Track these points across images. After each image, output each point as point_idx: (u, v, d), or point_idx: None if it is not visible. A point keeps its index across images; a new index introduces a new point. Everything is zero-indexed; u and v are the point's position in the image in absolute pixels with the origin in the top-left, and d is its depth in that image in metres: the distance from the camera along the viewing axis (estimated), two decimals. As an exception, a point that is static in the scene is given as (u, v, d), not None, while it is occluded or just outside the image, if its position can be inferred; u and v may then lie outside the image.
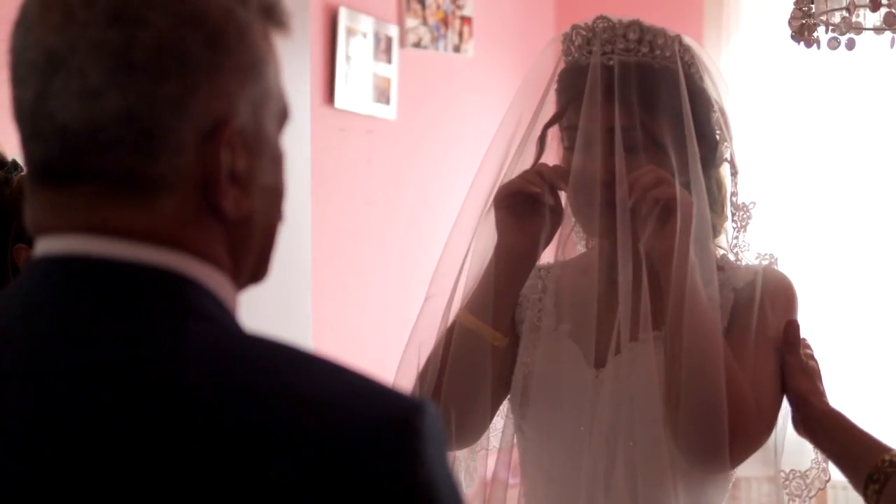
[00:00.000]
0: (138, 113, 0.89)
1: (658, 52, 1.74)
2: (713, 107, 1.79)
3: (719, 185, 1.80)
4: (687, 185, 1.73)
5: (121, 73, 0.89)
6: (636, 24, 1.74)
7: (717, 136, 1.79)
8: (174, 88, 0.90)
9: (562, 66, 1.80)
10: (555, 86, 1.81)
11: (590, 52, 1.74)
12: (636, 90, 1.71)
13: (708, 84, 1.79)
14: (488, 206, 1.81)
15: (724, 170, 1.81)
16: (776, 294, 1.75)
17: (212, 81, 0.91)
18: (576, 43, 1.77)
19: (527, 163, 1.81)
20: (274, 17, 0.97)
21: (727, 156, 1.80)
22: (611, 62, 1.72)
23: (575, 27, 1.77)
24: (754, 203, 1.80)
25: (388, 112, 4.29)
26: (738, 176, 1.81)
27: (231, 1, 0.93)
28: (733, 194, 1.80)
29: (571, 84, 1.75)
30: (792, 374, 1.73)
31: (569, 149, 1.76)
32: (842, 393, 4.46)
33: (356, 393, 0.88)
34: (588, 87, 1.72)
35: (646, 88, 1.72)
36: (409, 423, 0.86)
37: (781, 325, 1.74)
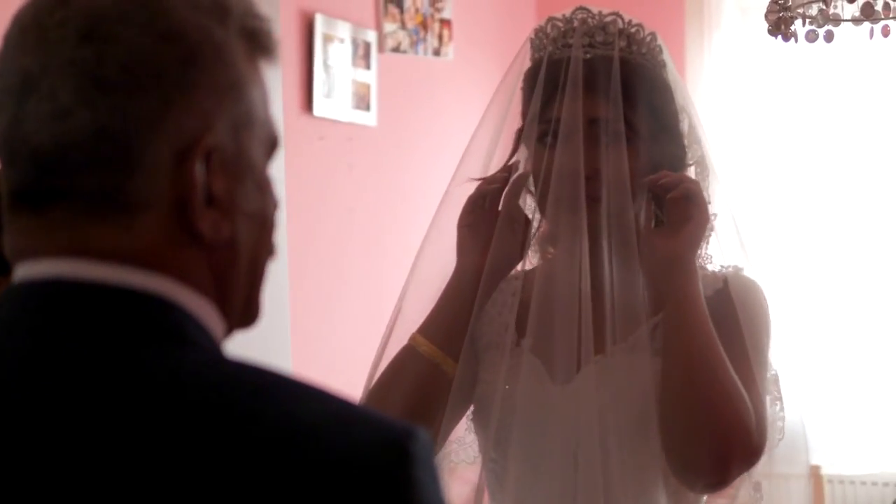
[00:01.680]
0: (110, 130, 0.87)
1: (635, 47, 1.71)
2: (683, 110, 1.75)
3: None
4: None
5: (91, 91, 0.87)
6: (617, 17, 1.71)
7: (685, 142, 1.75)
8: (147, 105, 0.88)
9: (528, 64, 1.76)
10: (521, 84, 1.76)
11: (565, 45, 1.70)
12: (617, 83, 1.67)
13: (677, 86, 1.75)
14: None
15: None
16: (748, 304, 1.71)
17: (186, 99, 0.89)
18: (551, 35, 1.72)
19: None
20: (259, 43, 0.96)
21: (694, 160, 1.76)
22: (588, 55, 1.68)
23: (552, 19, 1.73)
24: (716, 215, 1.77)
25: (369, 118, 4.25)
26: (705, 182, 1.77)
27: (208, 20, 0.91)
28: None
29: (550, 77, 1.70)
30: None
31: (543, 143, 1.71)
32: (821, 397, 4.47)
33: (347, 419, 0.86)
34: (570, 79, 1.68)
35: (626, 82, 1.68)
36: (402, 448, 0.84)
37: (756, 335, 1.70)
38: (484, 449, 1.76)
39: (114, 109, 0.87)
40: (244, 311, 0.98)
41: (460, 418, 1.78)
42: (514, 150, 1.76)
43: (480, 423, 1.76)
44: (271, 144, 0.98)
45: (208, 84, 0.91)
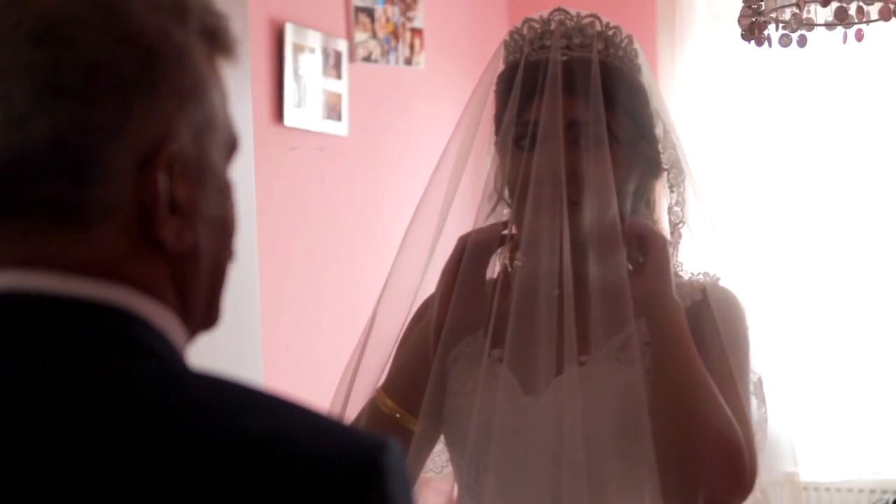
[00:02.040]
0: (69, 138, 0.84)
1: (612, 50, 1.68)
2: (657, 114, 1.73)
3: (648, 202, 1.74)
4: (637, 190, 1.68)
5: (49, 97, 0.84)
6: (595, 19, 1.68)
7: (660, 147, 1.73)
8: (107, 111, 0.85)
9: (501, 67, 1.73)
10: (493, 87, 1.74)
11: (542, 47, 1.67)
12: (597, 85, 1.64)
13: (652, 90, 1.73)
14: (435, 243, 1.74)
15: (662, 183, 1.76)
16: (729, 318, 1.68)
17: (147, 104, 0.86)
18: (527, 37, 1.69)
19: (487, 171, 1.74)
20: (218, 41, 0.93)
21: (668, 164, 1.75)
22: (565, 57, 1.66)
23: (528, 20, 1.70)
24: (683, 223, 1.75)
25: (340, 128, 4.22)
26: (681, 187, 1.75)
27: (168, 21, 0.88)
28: (670, 208, 1.75)
29: (527, 79, 1.67)
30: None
31: (520, 147, 1.67)
32: (796, 404, 4.48)
33: (316, 432, 0.84)
34: (548, 81, 1.65)
35: (604, 84, 1.65)
36: (372, 461, 0.82)
37: (738, 351, 1.68)
38: (456, 462, 1.73)
39: (72, 116, 0.84)
40: (205, 316, 0.96)
41: (426, 460, 1.76)
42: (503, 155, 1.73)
43: (451, 436, 1.73)
44: (231, 147, 0.95)
45: (170, 88, 0.88)
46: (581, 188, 1.64)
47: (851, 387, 4.75)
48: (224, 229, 0.95)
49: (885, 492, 4.68)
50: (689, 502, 1.58)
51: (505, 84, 1.71)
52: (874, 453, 4.74)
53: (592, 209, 1.64)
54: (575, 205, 1.64)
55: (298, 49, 4.03)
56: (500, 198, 1.74)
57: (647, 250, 1.65)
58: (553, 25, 1.67)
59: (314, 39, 4.11)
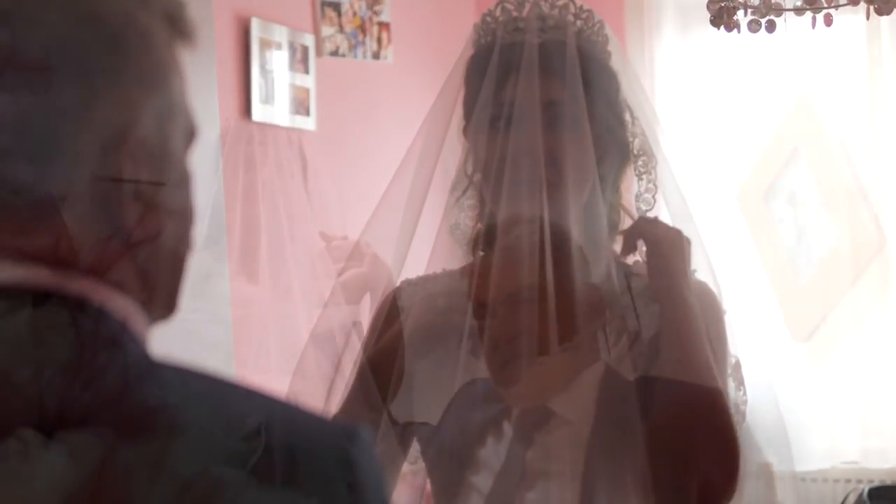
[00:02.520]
0: (31, 122, 0.82)
1: (586, 34, 1.66)
2: (625, 101, 1.72)
3: (618, 188, 1.73)
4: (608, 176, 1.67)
5: (9, 78, 0.81)
6: (569, 2, 1.67)
7: (629, 134, 1.71)
8: (71, 94, 0.83)
9: (471, 51, 1.72)
10: (464, 68, 1.72)
11: (517, 29, 1.65)
12: (574, 65, 1.63)
13: (623, 75, 1.72)
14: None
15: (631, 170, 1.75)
16: (711, 310, 1.68)
17: (112, 87, 0.84)
18: (500, 20, 1.67)
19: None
20: (179, 27, 0.91)
21: (638, 150, 1.73)
22: (540, 39, 1.64)
23: (502, 2, 1.68)
24: (646, 212, 1.74)
25: (308, 123, 4.19)
26: (651, 174, 1.74)
27: (132, 4, 0.87)
28: (639, 196, 1.74)
29: (503, 60, 1.65)
30: None
31: (495, 128, 1.64)
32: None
33: (286, 423, 0.82)
34: (524, 62, 1.63)
35: (581, 66, 1.64)
36: (344, 453, 0.81)
37: (721, 344, 1.68)
38: (430, 458, 1.71)
39: (35, 99, 0.82)
40: (165, 306, 0.93)
41: (399, 470, 1.73)
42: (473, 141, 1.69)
43: (424, 433, 1.70)
44: (191, 135, 0.93)
45: (134, 72, 0.86)
46: (560, 170, 1.61)
47: (825, 376, 4.76)
48: (184, 218, 0.93)
49: (859, 481, 4.69)
50: (683, 493, 1.56)
51: (477, 67, 1.68)
52: (848, 443, 4.75)
53: (572, 191, 1.61)
54: (554, 187, 1.61)
55: (265, 44, 3.99)
56: (471, 183, 1.71)
57: (652, 253, 1.66)
58: (527, 8, 1.66)
59: (280, 34, 4.08)
